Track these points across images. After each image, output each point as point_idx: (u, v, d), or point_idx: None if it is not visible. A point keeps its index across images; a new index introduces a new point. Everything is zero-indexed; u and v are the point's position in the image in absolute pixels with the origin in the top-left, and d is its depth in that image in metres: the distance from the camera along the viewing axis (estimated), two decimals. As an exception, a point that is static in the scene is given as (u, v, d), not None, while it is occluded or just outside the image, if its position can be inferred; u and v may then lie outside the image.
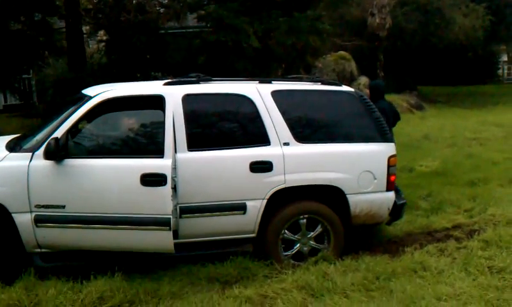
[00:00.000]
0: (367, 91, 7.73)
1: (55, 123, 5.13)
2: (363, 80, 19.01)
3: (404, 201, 6.04)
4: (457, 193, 7.88)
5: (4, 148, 5.24)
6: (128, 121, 5.46)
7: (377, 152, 5.62)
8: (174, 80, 5.55)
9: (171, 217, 4.80)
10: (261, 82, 5.62)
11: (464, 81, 30.07)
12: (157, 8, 13.50)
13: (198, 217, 5.17)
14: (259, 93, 5.42)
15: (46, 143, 4.83)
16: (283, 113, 5.40)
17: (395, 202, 5.73)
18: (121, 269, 4.87)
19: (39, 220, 4.88)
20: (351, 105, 5.76)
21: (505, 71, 37.15)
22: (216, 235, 5.29)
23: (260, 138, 5.34)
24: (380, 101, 7.06)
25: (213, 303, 4.47)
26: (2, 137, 6.13)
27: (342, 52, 20.59)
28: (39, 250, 5.01)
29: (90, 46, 18.21)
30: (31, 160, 4.89)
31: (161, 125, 4.92)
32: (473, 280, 4.72)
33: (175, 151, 5.06)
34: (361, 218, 5.59)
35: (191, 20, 13.74)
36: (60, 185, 4.90)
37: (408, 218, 6.67)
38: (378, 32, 22.25)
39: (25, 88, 17.80)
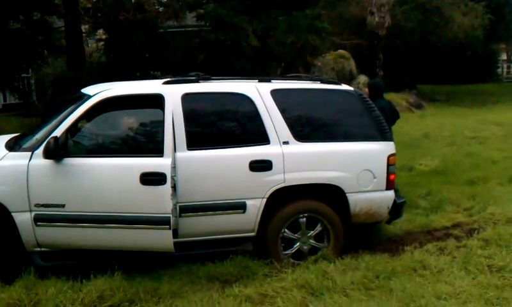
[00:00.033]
0: (366, 89, 7.72)
1: (54, 122, 5.13)
2: (363, 78, 19.01)
3: (404, 199, 6.05)
4: (457, 192, 7.88)
5: (3, 147, 5.23)
6: (128, 120, 5.45)
7: (377, 151, 5.62)
8: (173, 79, 5.54)
9: (170, 216, 4.80)
10: (260, 81, 5.61)
11: (464, 80, 30.10)
12: (156, 7, 13.50)
13: (197, 216, 5.17)
14: (258, 92, 5.42)
15: (45, 142, 4.82)
16: (283, 112, 5.40)
17: (394, 201, 5.73)
18: (121, 268, 4.87)
19: (39, 220, 4.88)
20: (350, 104, 5.75)
21: (505, 70, 37.17)
22: (216, 233, 5.29)
23: (260, 137, 5.34)
24: (379, 100, 7.06)
25: (213, 302, 4.47)
26: (1, 136, 6.13)
27: (341, 51, 20.60)
28: (39, 249, 5.02)
29: (89, 45, 18.22)
30: (30, 159, 4.89)
31: (161, 124, 4.91)
32: (473, 279, 4.72)
33: (175, 150, 5.06)
34: (361, 217, 5.59)
35: (190, 19, 13.71)
36: (60, 184, 4.89)
37: (407, 217, 6.67)
38: (377, 31, 22.26)
39: (24, 87, 17.79)
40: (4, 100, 18.08)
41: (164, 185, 4.77)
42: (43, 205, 4.87)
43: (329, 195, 5.50)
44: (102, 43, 14.54)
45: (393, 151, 5.70)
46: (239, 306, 4.38)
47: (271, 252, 5.36)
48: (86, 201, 4.89)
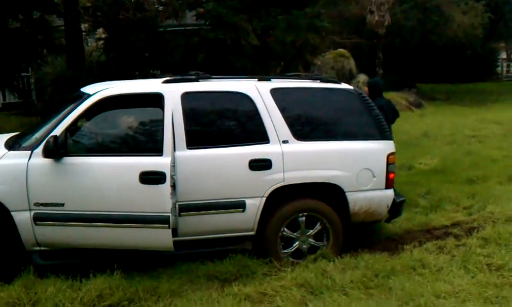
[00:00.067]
0: (366, 88, 7.72)
1: (54, 121, 5.13)
2: (362, 77, 19.00)
3: (403, 198, 6.04)
4: (456, 191, 7.88)
5: (3, 146, 5.23)
6: (127, 119, 5.45)
7: (376, 150, 5.62)
8: (173, 78, 5.54)
9: (170, 215, 4.80)
10: (260, 79, 5.61)
11: (463, 79, 30.09)
12: (156, 6, 13.51)
13: (197, 215, 5.17)
14: (258, 91, 5.42)
15: (45, 141, 4.82)
16: (282, 111, 5.40)
17: (394, 200, 5.73)
18: (121, 267, 4.87)
19: (38, 219, 4.88)
20: (350, 103, 5.75)
21: (504, 68, 37.16)
22: (215, 232, 5.29)
23: (259, 136, 5.34)
24: (378, 99, 7.06)
25: (212, 301, 4.47)
26: (1, 135, 6.13)
27: (341, 50, 20.60)
28: (38, 248, 5.01)
29: (89, 44, 18.21)
30: (29, 158, 4.88)
31: (160, 123, 4.92)
32: (472, 277, 4.73)
33: (174, 149, 5.06)
34: (360, 216, 5.59)
35: (190, 17, 13.71)
36: (59, 183, 4.89)
37: (407, 216, 6.67)
38: (377, 30, 22.25)
39: (24, 86, 17.78)
40: (4, 99, 18.08)
41: (164, 184, 4.77)
42: (42, 204, 4.87)
43: (329, 194, 5.50)
44: (101, 42, 14.54)
45: (392, 150, 5.70)
46: (238, 304, 4.38)
47: (270, 251, 5.36)
48: (85, 200, 4.88)
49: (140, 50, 12.43)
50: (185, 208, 5.11)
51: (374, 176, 5.54)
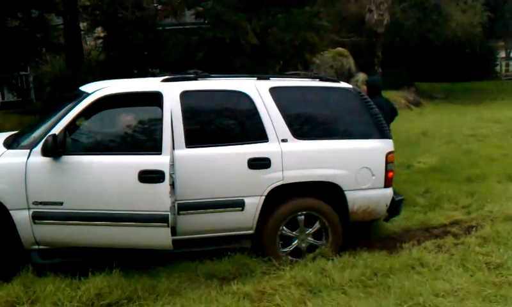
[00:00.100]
0: (365, 87, 7.73)
1: (53, 119, 5.12)
2: (361, 76, 18.89)
3: (402, 197, 6.04)
4: (455, 189, 7.89)
5: (1, 144, 5.22)
6: (126, 118, 5.45)
7: (375, 149, 5.63)
8: (172, 76, 5.53)
9: (169, 213, 4.80)
10: (259, 78, 5.61)
11: (462, 77, 30.09)
12: (155, 5, 13.50)
13: (196, 213, 5.17)
14: (257, 90, 5.42)
15: (44, 140, 4.82)
16: (281, 110, 5.40)
17: (392, 198, 5.73)
18: (119, 266, 4.87)
19: (37, 217, 4.87)
20: (348, 101, 5.76)
21: (503, 67, 37.16)
22: (214, 231, 5.29)
23: (258, 135, 5.34)
24: (377, 97, 7.06)
25: (211, 299, 4.47)
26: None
27: (340, 49, 20.61)
28: (37, 247, 5.01)
29: (88, 43, 18.18)
30: (28, 157, 4.88)
31: (159, 121, 4.92)
32: (471, 276, 4.73)
33: (173, 148, 5.05)
34: (359, 214, 5.59)
35: (189, 16, 13.71)
36: (58, 182, 4.89)
37: (405, 214, 6.67)
38: (376, 29, 22.26)
39: (22, 85, 17.75)
40: (3, 97, 18.04)
41: (163, 183, 4.78)
42: (41, 203, 4.87)
43: (328, 193, 5.50)
44: (100, 40, 14.52)
45: (391, 148, 5.71)
46: (237, 303, 4.38)
47: (269, 250, 5.36)
48: (84, 198, 4.88)
49: (139, 48, 12.41)
50: (184, 207, 5.11)
51: (373, 175, 5.54)
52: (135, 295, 4.58)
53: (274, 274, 5.00)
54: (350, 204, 5.50)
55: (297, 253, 5.48)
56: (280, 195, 5.33)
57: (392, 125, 7.23)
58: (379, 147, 5.63)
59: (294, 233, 5.47)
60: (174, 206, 5.06)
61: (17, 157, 4.92)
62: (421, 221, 6.63)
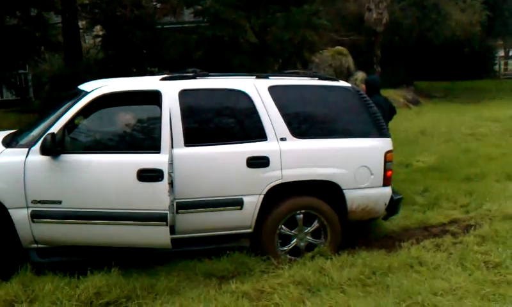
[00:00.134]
0: (363, 86, 7.74)
1: (51, 118, 5.12)
2: (360, 75, 18.99)
3: (401, 196, 6.05)
4: (454, 188, 7.89)
5: (0, 143, 5.22)
6: (125, 117, 5.45)
7: (374, 147, 5.63)
8: (171, 75, 5.54)
9: (168, 212, 4.80)
10: (258, 77, 5.61)
11: (461, 76, 30.07)
12: (154, 3, 13.48)
13: (194, 212, 5.18)
14: (256, 89, 5.42)
15: (42, 139, 4.82)
16: (280, 108, 5.40)
17: (391, 197, 5.74)
18: (118, 264, 4.87)
19: (35, 216, 4.87)
20: (347, 100, 5.76)
21: (502, 66, 37.15)
22: (213, 230, 5.29)
23: (257, 133, 5.34)
24: (376, 96, 7.07)
25: (210, 298, 4.47)
26: (-2, 132, 6.11)
27: (339, 47, 20.59)
28: (35, 245, 5.01)
29: (86, 41, 18.16)
30: (27, 156, 4.88)
31: (158, 120, 4.92)
32: (469, 275, 4.73)
33: (172, 147, 5.05)
34: (358, 213, 5.60)
35: (188, 15, 13.68)
36: (56, 181, 4.89)
37: (404, 213, 6.68)
38: (375, 28, 22.23)
39: (21, 83, 17.75)
40: (1, 96, 18.03)
41: (161, 182, 4.78)
42: (39, 202, 4.87)
43: (327, 191, 5.50)
44: (99, 39, 14.50)
45: (390, 147, 5.71)
46: (235, 302, 4.37)
47: (268, 249, 5.36)
48: (83, 197, 4.88)
49: (138, 47, 12.39)
50: (182, 206, 5.11)
51: (372, 174, 5.54)
52: (134, 294, 4.58)
53: (273, 273, 5.01)
54: (349, 203, 5.51)
55: (296, 252, 5.49)
56: (278, 194, 5.33)
57: (391, 124, 7.24)
58: (377, 146, 5.64)
59: (292, 231, 5.48)
60: (173, 205, 5.05)
61: (16, 155, 4.92)
62: (420, 220, 6.63)
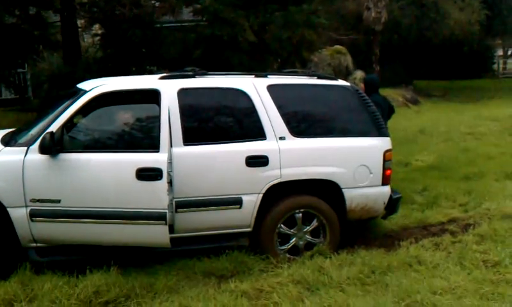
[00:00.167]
0: (362, 85, 7.75)
1: (50, 117, 5.11)
2: (359, 74, 18.92)
3: (400, 195, 6.05)
4: (453, 187, 7.90)
5: (-1, 142, 5.22)
6: (124, 116, 5.44)
7: (373, 146, 5.63)
8: (169, 74, 5.53)
9: (167, 211, 4.80)
10: (257, 76, 5.61)
11: (460, 75, 30.11)
12: (152, 2, 13.46)
13: (193, 211, 5.17)
14: (255, 87, 5.41)
15: (41, 137, 4.81)
16: (279, 107, 5.40)
17: (390, 196, 5.74)
18: (117, 263, 4.87)
19: (34, 215, 4.87)
20: (346, 99, 5.76)
21: (501, 65, 37.19)
22: (212, 229, 5.29)
23: (256, 132, 5.34)
24: (374, 95, 7.07)
25: (209, 297, 4.47)
26: (-3, 131, 6.10)
27: (337, 46, 20.57)
28: (34, 244, 5.01)
29: (85, 40, 18.13)
30: (26, 155, 4.87)
31: (157, 119, 4.91)
32: (468, 274, 4.74)
33: (171, 146, 5.05)
34: (357, 212, 5.60)
35: (187, 14, 13.67)
36: (55, 180, 4.88)
37: (403, 212, 6.68)
38: (374, 27, 22.24)
39: (20, 82, 17.70)
40: (0, 95, 18.01)
41: (160, 181, 4.77)
42: (38, 200, 4.86)
43: (326, 190, 5.50)
44: (98, 38, 14.47)
45: (389, 146, 5.71)
46: (235, 301, 4.37)
47: (267, 248, 5.36)
48: (81, 196, 4.88)
49: (137, 46, 12.37)
50: (182, 205, 5.11)
51: (371, 173, 5.55)
52: (133, 292, 4.58)
53: (272, 272, 5.01)
54: (348, 202, 5.51)
55: (295, 251, 5.49)
56: (277, 193, 5.33)
57: (390, 123, 7.25)
58: (377, 145, 5.64)
59: (291, 231, 5.48)
60: (172, 204, 5.05)
61: (15, 154, 4.91)
62: (419, 219, 6.64)
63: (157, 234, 4.86)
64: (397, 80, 22.89)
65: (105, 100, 5.24)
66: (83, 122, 5.35)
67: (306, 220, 5.50)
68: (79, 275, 4.73)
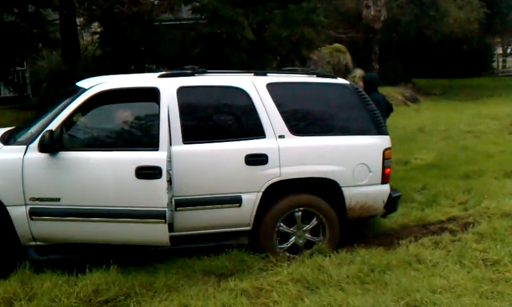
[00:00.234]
0: (361, 83, 7.74)
1: (49, 115, 5.10)
2: (358, 72, 19.00)
3: (399, 193, 6.05)
4: (452, 186, 7.90)
5: (-2, 140, 5.21)
6: (123, 114, 5.43)
7: (373, 145, 5.63)
8: (169, 72, 5.53)
9: (166, 209, 4.79)
10: (256, 74, 5.60)
11: (459, 74, 30.13)
12: (151, 0, 13.43)
13: (193, 209, 5.17)
14: (254, 86, 5.41)
15: (40, 136, 4.80)
16: (279, 106, 5.39)
17: (390, 195, 5.74)
18: (117, 262, 4.86)
19: (34, 213, 4.86)
20: (346, 97, 5.75)
21: (500, 64, 37.20)
22: (212, 227, 5.29)
23: (256, 131, 5.33)
24: (374, 93, 7.08)
25: (208, 296, 4.47)
26: (-4, 129, 6.09)
27: (337, 45, 20.59)
28: (34, 243, 5.00)
29: (84, 38, 18.12)
30: (25, 153, 4.86)
31: (156, 117, 4.90)
32: (468, 272, 4.74)
33: (170, 144, 5.04)
34: (357, 211, 5.60)
35: (186, 11, 13.66)
36: (55, 178, 4.88)
37: (402, 211, 6.68)
38: (373, 25, 22.27)
39: (19, 81, 17.70)
40: (-1, 93, 18.03)
41: (160, 179, 4.77)
42: (38, 199, 4.85)
43: (325, 189, 5.50)
44: (97, 36, 14.46)
45: (388, 145, 5.71)
46: (234, 299, 4.37)
47: (266, 246, 5.36)
48: (81, 195, 4.87)
49: (136, 44, 12.35)
50: (181, 203, 5.11)
51: (370, 171, 5.54)
52: (132, 291, 4.58)
53: (271, 271, 5.01)
54: (347, 200, 5.51)
55: (295, 250, 5.49)
56: (277, 191, 5.33)
57: (389, 121, 7.25)
58: (376, 143, 5.63)
59: (291, 229, 5.47)
60: (171, 202, 5.05)
61: (14, 152, 4.90)
62: (418, 218, 6.64)
63: (157, 232, 4.85)
64: (396, 79, 22.92)
65: (105, 98, 5.23)
66: (82, 120, 5.34)
67: (306, 218, 5.49)
68: (79, 274, 4.73)
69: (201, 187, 5.16)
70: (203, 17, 12.05)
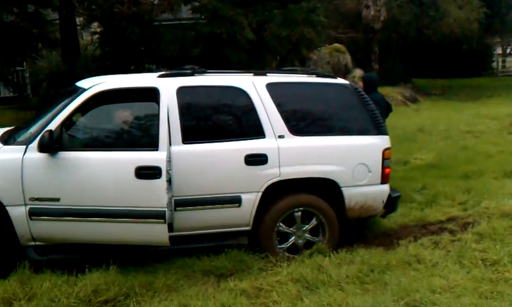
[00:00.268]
0: (361, 83, 7.74)
1: (49, 115, 5.10)
2: (358, 72, 19.00)
3: (399, 193, 6.05)
4: (452, 186, 7.90)
5: (-3, 140, 5.21)
6: (123, 114, 5.43)
7: (372, 145, 5.63)
8: (168, 72, 5.52)
9: (166, 210, 4.79)
10: (256, 74, 5.60)
11: (459, 74, 30.15)
12: (151, 0, 13.43)
13: (192, 210, 5.17)
14: (254, 86, 5.41)
15: (40, 136, 4.80)
16: (278, 106, 5.39)
17: (389, 195, 5.74)
18: (116, 262, 4.86)
19: (33, 213, 4.86)
20: (345, 97, 5.76)
21: (500, 64, 37.21)
22: (211, 227, 5.29)
23: (255, 131, 5.33)
24: (373, 93, 7.07)
25: (208, 296, 4.47)
26: (-5, 129, 6.09)
27: (336, 45, 20.59)
28: (33, 243, 5.00)
29: (84, 38, 18.11)
30: (25, 153, 4.86)
31: (156, 117, 4.90)
32: (467, 273, 4.74)
33: (170, 144, 5.04)
34: (356, 211, 5.60)
35: (185, 11, 13.65)
36: (54, 178, 4.88)
37: (402, 211, 6.68)
38: (373, 25, 22.26)
39: (18, 81, 17.70)
40: (-2, 93, 18.02)
41: (160, 179, 4.77)
42: (37, 199, 4.85)
43: (325, 189, 5.50)
44: (96, 36, 14.45)
45: (388, 145, 5.71)
46: (234, 299, 4.37)
47: (266, 246, 5.36)
48: (80, 195, 4.87)
49: (135, 44, 12.35)
50: (181, 203, 5.11)
51: (370, 172, 5.54)
52: (132, 291, 4.57)
53: (271, 271, 5.01)
54: (347, 200, 5.51)
55: (294, 250, 5.49)
56: (276, 191, 5.33)
57: (388, 121, 7.24)
58: (376, 143, 5.63)
59: (290, 229, 5.47)
60: (171, 202, 5.05)
61: (13, 152, 4.90)
62: (418, 218, 6.63)
63: (156, 232, 4.85)
64: (396, 79, 22.92)
65: (104, 98, 5.22)
66: (82, 120, 5.34)
67: (306, 218, 5.49)
68: (78, 274, 4.73)
69: (201, 187, 5.16)
70: (202, 17, 12.05)
